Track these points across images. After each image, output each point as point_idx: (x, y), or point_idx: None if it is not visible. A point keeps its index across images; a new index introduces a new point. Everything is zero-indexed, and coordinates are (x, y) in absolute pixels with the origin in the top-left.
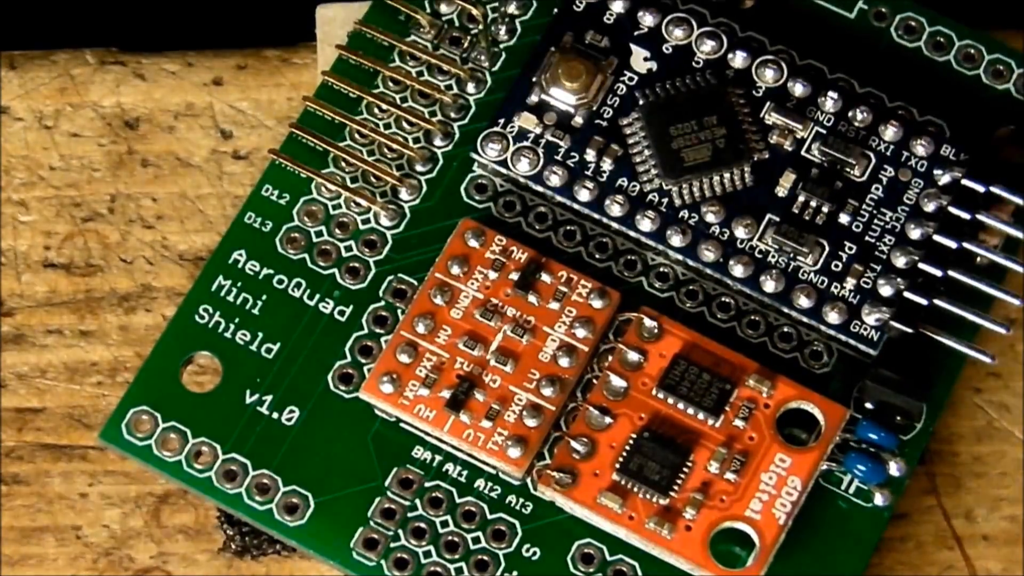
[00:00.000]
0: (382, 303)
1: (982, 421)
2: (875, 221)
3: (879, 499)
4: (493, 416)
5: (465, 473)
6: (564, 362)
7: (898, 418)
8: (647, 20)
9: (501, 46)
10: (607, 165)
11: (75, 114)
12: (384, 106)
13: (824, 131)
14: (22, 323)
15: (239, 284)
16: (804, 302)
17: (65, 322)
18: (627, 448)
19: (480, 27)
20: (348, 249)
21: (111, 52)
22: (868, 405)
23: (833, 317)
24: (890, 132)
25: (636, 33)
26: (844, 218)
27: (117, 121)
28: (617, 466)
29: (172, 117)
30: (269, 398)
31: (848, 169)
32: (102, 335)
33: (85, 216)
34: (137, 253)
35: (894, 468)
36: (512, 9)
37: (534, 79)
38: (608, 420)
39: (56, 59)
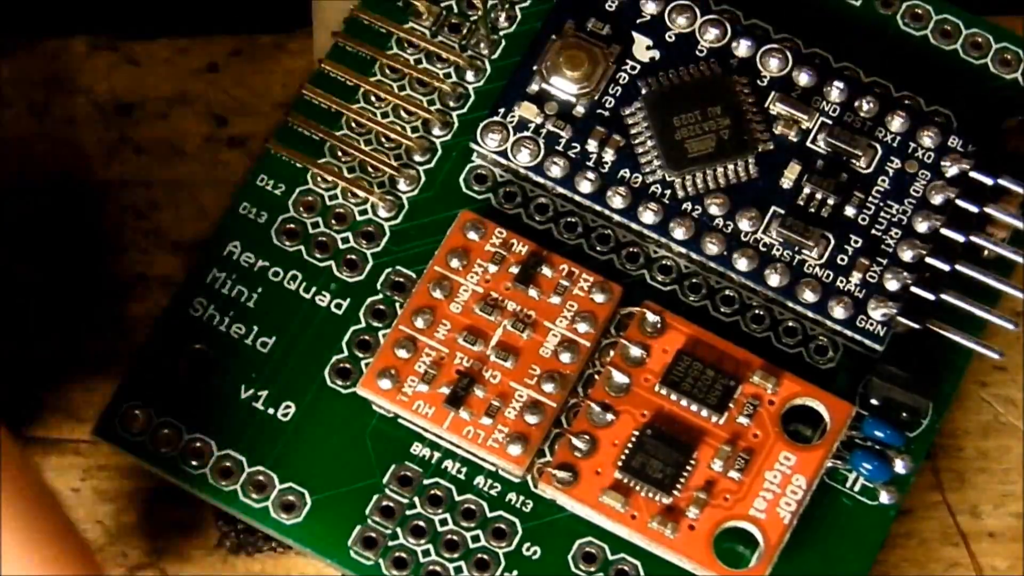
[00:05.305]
0: (380, 296)
1: (988, 416)
2: (881, 214)
3: (885, 497)
4: (493, 413)
5: (465, 470)
6: (565, 358)
7: (904, 414)
8: (649, 8)
9: (501, 33)
10: (609, 156)
11: (67, 100)
12: (381, 95)
13: (830, 121)
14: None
15: (234, 276)
16: (809, 296)
17: (57, 312)
18: (629, 446)
19: (479, 14)
20: (345, 241)
21: (104, 38)
22: (874, 401)
23: (839, 312)
24: (897, 123)
25: (638, 21)
26: (850, 211)
27: (110, 108)
28: (619, 464)
29: (165, 104)
30: (264, 393)
31: (854, 160)
32: (95, 325)
33: (77, 204)
34: (130, 242)
35: (900, 466)
36: None
37: (535, 68)
38: (610, 417)
39: (48, 45)
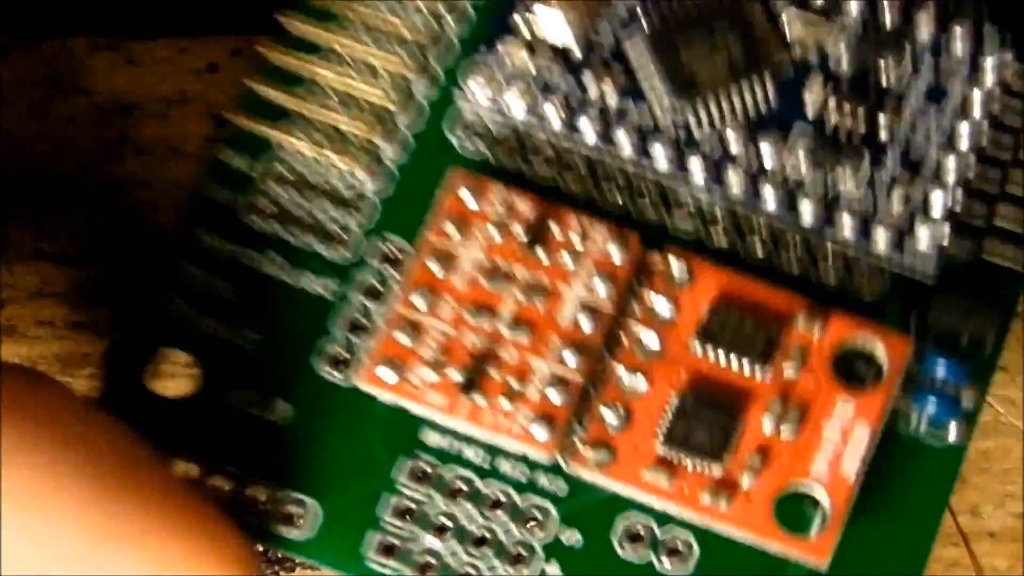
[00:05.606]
0: (372, 271)
1: (988, 416)
2: (917, 130)
3: (953, 436)
4: (513, 396)
5: (486, 455)
6: (586, 325)
7: (964, 344)
8: None
9: None
10: (611, 96)
11: (67, 101)
12: (358, 47)
13: (852, 36)
14: (13, 314)
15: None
16: (848, 227)
17: (57, 313)
18: (669, 414)
19: None
20: (326, 214)
21: (104, 38)
22: (931, 333)
23: (881, 240)
24: (923, 28)
25: None
26: (883, 131)
27: (110, 108)
28: (660, 435)
29: (165, 104)
30: (254, 395)
31: (882, 75)
32: (94, 327)
33: (77, 205)
34: (130, 242)
35: (966, 400)
36: None
37: (520, 3)
38: (643, 384)
39: (48, 45)
